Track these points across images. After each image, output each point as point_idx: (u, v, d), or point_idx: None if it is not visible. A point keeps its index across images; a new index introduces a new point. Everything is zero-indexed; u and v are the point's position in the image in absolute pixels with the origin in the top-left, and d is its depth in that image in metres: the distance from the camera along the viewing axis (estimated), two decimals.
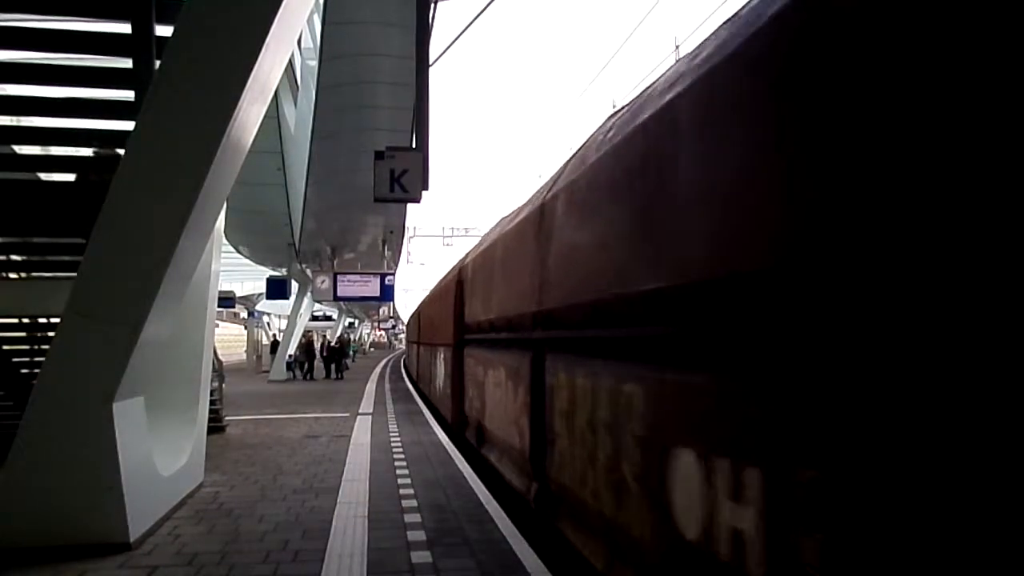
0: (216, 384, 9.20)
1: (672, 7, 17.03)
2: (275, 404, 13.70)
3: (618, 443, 2.97)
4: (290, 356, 22.92)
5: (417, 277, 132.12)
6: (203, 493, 5.70)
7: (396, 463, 7.03)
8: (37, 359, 6.14)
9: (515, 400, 5.09)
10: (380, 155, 6.81)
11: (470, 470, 6.68)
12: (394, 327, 70.79)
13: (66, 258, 5.97)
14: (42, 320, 6.66)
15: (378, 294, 21.31)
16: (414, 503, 5.31)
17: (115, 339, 4.05)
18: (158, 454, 4.80)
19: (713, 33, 2.53)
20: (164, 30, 4.53)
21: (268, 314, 40.44)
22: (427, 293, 18.88)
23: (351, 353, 32.92)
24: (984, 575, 1.24)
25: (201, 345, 6.05)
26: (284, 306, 28.46)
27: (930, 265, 1.37)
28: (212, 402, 7.90)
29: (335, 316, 42.35)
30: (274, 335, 36.19)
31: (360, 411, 12.22)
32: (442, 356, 10.62)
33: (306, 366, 22.47)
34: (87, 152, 5.77)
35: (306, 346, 22.99)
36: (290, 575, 3.75)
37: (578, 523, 3.61)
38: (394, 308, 51.55)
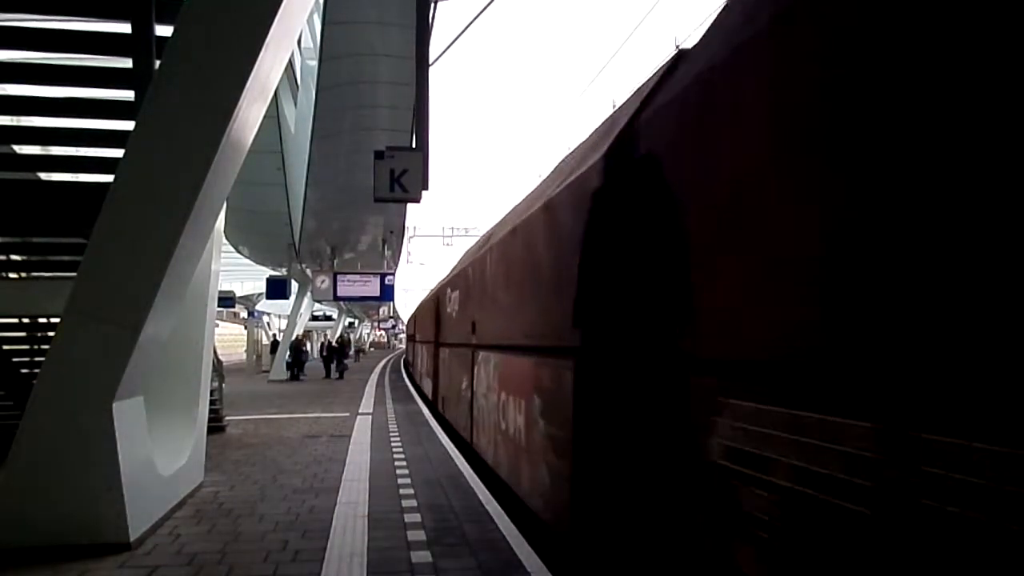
0: (216, 384, 9.20)
1: (672, 7, 17.02)
2: (275, 404, 13.70)
3: None
4: (290, 356, 22.96)
5: (417, 277, 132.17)
6: (203, 493, 5.70)
7: (396, 462, 7.03)
8: (37, 359, 6.14)
9: None
10: (380, 155, 6.79)
11: (470, 470, 6.68)
12: (394, 327, 70.91)
13: (66, 258, 5.97)
14: (42, 320, 6.66)
15: (378, 294, 21.33)
16: (414, 503, 5.31)
17: (115, 339, 4.05)
18: (158, 454, 4.80)
19: None
20: (164, 30, 4.52)
21: (268, 314, 40.41)
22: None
23: (352, 353, 32.84)
24: None
25: (201, 345, 6.05)
26: (284, 306, 28.44)
27: None
28: (212, 402, 7.91)
29: (335, 316, 42.34)
30: (274, 335, 36.17)
31: (360, 411, 12.22)
32: None
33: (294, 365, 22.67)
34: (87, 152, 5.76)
35: (296, 348, 23.01)
36: (290, 575, 3.76)
37: None
38: (394, 308, 51.53)
